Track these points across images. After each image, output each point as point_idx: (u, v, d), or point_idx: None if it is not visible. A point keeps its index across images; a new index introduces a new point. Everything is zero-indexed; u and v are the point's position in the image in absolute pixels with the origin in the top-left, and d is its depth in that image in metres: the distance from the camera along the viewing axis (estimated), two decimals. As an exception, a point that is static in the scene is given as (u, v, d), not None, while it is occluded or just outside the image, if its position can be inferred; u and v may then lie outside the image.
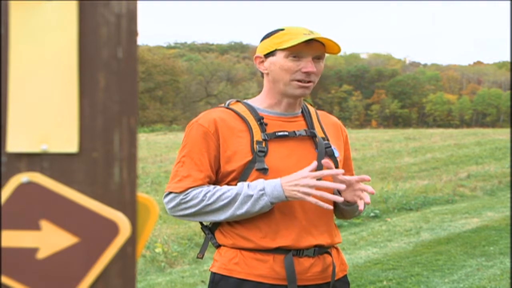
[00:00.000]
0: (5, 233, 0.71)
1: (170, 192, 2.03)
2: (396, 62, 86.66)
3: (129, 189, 0.72)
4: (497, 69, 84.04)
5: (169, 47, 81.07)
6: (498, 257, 6.52)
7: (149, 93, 52.49)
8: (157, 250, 7.11)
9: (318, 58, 2.08)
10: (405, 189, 11.94)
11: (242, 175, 2.02)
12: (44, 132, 0.71)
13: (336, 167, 2.11)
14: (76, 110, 0.71)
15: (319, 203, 1.94)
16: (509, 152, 17.46)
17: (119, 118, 0.72)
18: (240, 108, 2.12)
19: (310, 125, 2.15)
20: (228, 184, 2.04)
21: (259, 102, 2.16)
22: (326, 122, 2.23)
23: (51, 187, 0.71)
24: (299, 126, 2.13)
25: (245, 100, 2.18)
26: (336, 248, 2.18)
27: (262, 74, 2.15)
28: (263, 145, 2.03)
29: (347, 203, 2.11)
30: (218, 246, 2.10)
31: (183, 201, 2.01)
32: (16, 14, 0.70)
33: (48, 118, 0.71)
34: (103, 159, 0.72)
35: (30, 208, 0.71)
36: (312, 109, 2.23)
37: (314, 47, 2.05)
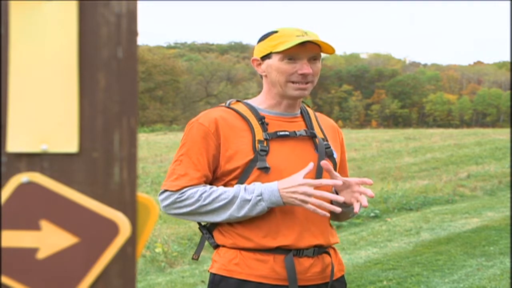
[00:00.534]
0: (5, 233, 0.71)
1: (166, 190, 2.03)
2: (396, 62, 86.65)
3: (129, 189, 0.72)
4: (497, 69, 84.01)
5: (169, 47, 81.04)
6: (498, 257, 6.52)
7: (149, 93, 52.49)
8: (157, 250, 7.11)
9: (314, 58, 2.08)
10: (405, 189, 11.94)
11: (243, 174, 2.02)
12: (44, 132, 0.71)
13: (335, 168, 2.13)
14: (76, 110, 0.71)
15: (317, 210, 1.95)
16: (509, 152, 17.46)
17: (119, 118, 0.72)
18: (241, 107, 2.12)
19: (309, 125, 2.15)
20: (227, 182, 2.05)
21: (259, 102, 2.16)
22: (324, 124, 2.25)
23: (51, 187, 0.71)
24: (299, 127, 2.13)
25: (245, 100, 2.18)
26: (334, 248, 2.19)
27: (261, 75, 2.16)
28: (265, 144, 2.04)
29: (343, 204, 2.11)
30: (216, 246, 2.09)
31: (178, 200, 2.00)
32: (16, 14, 0.70)
33: (48, 118, 0.71)
34: (103, 159, 0.72)
35: (30, 208, 0.71)
36: (310, 110, 2.24)
37: (308, 49, 2.04)
